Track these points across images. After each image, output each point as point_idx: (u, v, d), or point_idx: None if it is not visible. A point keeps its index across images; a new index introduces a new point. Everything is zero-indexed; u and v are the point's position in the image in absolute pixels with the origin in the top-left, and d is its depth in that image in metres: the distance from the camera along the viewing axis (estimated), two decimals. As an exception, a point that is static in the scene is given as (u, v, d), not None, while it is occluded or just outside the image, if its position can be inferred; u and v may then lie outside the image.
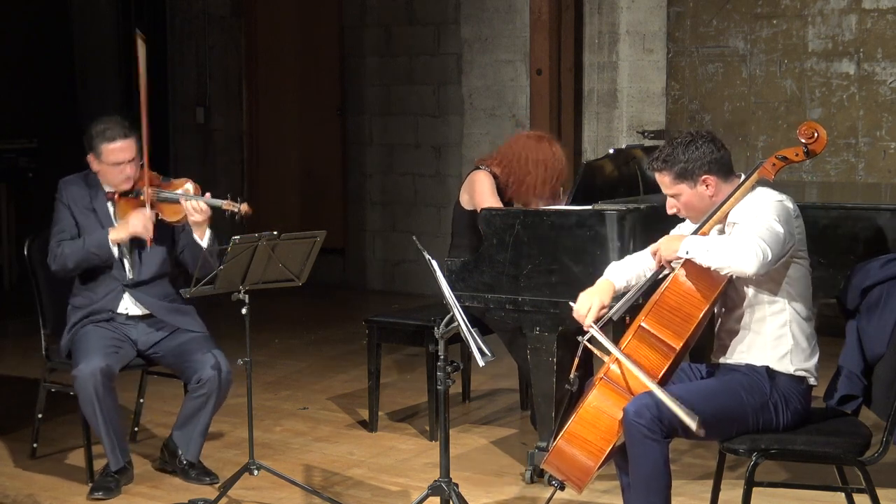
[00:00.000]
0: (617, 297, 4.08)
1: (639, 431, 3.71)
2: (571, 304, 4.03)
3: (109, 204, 5.06)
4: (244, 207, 4.89)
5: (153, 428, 5.88)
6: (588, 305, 3.96)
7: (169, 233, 5.10)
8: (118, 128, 5.00)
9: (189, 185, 5.05)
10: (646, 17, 8.57)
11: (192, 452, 5.03)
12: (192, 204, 4.93)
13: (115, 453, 4.86)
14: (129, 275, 5.06)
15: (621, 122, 8.72)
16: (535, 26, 8.37)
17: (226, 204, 4.92)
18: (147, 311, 5.07)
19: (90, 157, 5.04)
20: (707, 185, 3.90)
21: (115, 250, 4.98)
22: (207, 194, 5.01)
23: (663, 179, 3.94)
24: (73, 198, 5.07)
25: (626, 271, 4.10)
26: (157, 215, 5.00)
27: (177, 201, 4.98)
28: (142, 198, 4.98)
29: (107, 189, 5.07)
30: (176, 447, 5.04)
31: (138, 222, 4.94)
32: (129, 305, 5.07)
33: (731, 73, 8.24)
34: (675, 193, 3.93)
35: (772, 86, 8.11)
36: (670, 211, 3.99)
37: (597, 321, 3.93)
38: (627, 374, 3.81)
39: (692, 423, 3.62)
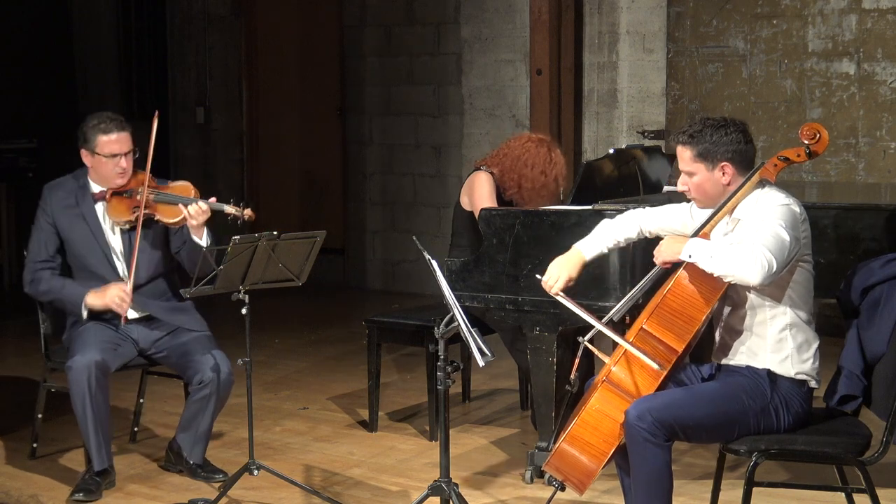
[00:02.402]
0: (612, 290, 4.10)
1: (640, 435, 3.71)
2: (539, 276, 4.15)
3: (99, 205, 5.04)
4: (248, 212, 4.88)
5: (153, 428, 5.88)
6: (556, 277, 4.10)
7: (161, 232, 5.08)
8: (113, 121, 5.00)
9: (191, 191, 5.02)
10: (646, 17, 8.57)
11: (197, 455, 5.03)
12: (192, 208, 4.90)
13: (101, 453, 4.83)
14: (125, 281, 5.03)
15: (621, 122, 8.72)
16: (535, 26, 8.37)
17: (229, 208, 4.91)
18: (146, 313, 5.07)
19: (84, 152, 5.01)
20: (724, 173, 3.88)
21: (85, 313, 4.94)
22: (212, 199, 4.97)
23: (683, 154, 3.92)
24: (58, 205, 5.04)
25: (605, 238, 4.18)
26: (153, 216, 4.98)
27: (176, 204, 4.96)
28: (137, 197, 4.96)
29: (95, 189, 5.05)
30: (181, 448, 5.04)
31: (116, 297, 4.89)
32: (129, 310, 5.06)
33: (731, 73, 8.24)
34: (691, 171, 3.92)
35: (772, 86, 8.11)
36: (681, 188, 3.99)
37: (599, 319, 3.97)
38: (629, 376, 3.81)
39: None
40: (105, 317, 5.02)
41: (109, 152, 4.95)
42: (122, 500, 4.89)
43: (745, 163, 3.91)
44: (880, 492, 3.91)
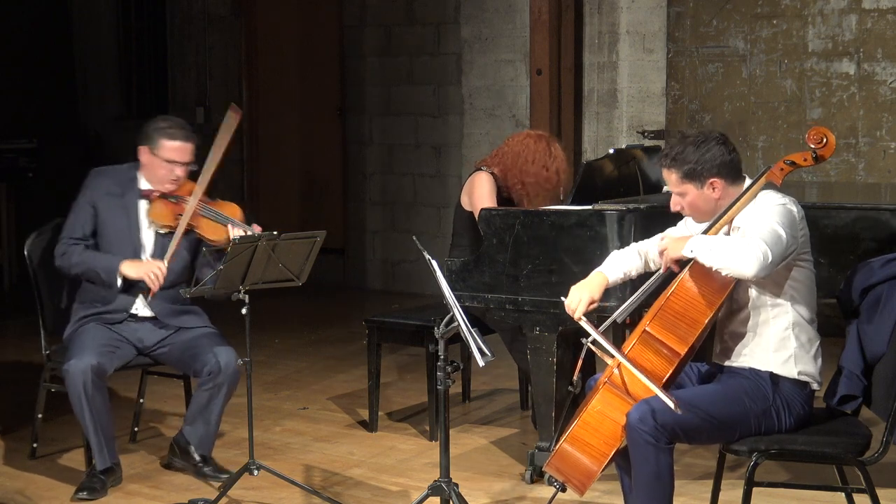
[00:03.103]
0: (613, 290, 4.09)
1: (641, 437, 3.71)
2: (563, 298, 4.07)
3: (143, 202, 5.03)
4: None
5: (153, 428, 5.88)
6: (578, 299, 4.00)
7: (193, 244, 5.08)
8: (182, 130, 5.03)
9: (239, 214, 5.02)
10: (646, 17, 8.57)
11: (206, 446, 5.01)
12: (237, 233, 4.87)
13: (103, 453, 4.84)
14: (124, 287, 5.00)
15: (621, 122, 8.72)
16: (535, 26, 8.38)
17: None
18: (153, 314, 5.06)
19: (143, 149, 5.00)
20: (714, 188, 3.88)
21: (119, 280, 4.93)
22: (257, 227, 4.92)
23: (670, 177, 3.92)
24: (103, 191, 5.03)
25: (623, 263, 4.11)
26: (194, 229, 4.94)
27: (224, 224, 4.95)
28: (183, 205, 4.94)
29: (143, 187, 5.05)
30: (187, 443, 5.02)
31: (151, 271, 4.88)
32: (139, 306, 5.05)
33: (731, 73, 8.24)
34: (681, 192, 3.92)
35: (772, 86, 8.11)
36: (674, 208, 3.99)
37: (595, 322, 3.94)
38: (630, 377, 3.81)
39: (671, 404, 3.64)
40: (109, 316, 5.01)
41: (169, 158, 4.96)
42: (122, 500, 4.89)
43: (733, 174, 3.91)
44: (880, 492, 3.91)
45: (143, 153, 5.01)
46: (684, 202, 3.94)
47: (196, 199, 4.94)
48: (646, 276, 4.12)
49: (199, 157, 5.10)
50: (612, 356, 3.86)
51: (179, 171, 4.99)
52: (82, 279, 5.03)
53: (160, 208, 5.00)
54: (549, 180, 5.49)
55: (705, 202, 3.91)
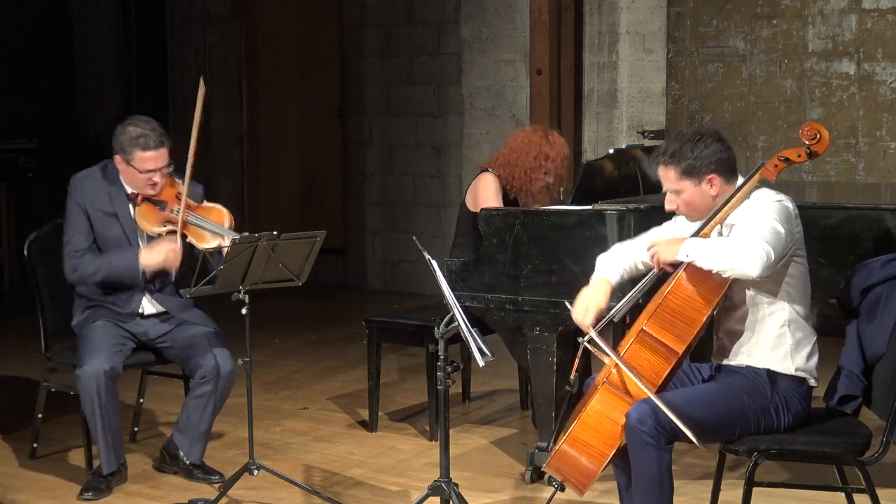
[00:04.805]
0: (615, 293, 4.09)
1: (641, 438, 3.70)
2: (568, 304, 4.03)
3: (130, 205, 4.99)
4: None
5: (153, 428, 5.88)
6: (585, 308, 3.95)
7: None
8: (155, 136, 4.91)
9: (226, 220, 4.94)
10: (646, 17, 8.57)
11: (195, 454, 5.02)
12: (228, 241, 4.76)
13: (110, 456, 4.85)
14: (148, 276, 5.00)
15: (621, 122, 8.72)
16: (535, 26, 8.37)
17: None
18: (161, 309, 5.04)
19: (117, 158, 4.94)
20: (711, 185, 3.88)
21: (142, 275, 4.90)
22: (245, 235, 4.80)
23: (668, 174, 3.90)
24: (89, 198, 4.98)
25: (620, 263, 4.08)
26: (185, 236, 4.90)
27: (213, 233, 4.86)
28: (170, 213, 4.87)
29: (129, 190, 4.99)
30: (177, 449, 5.03)
31: (170, 256, 4.83)
32: (146, 305, 5.04)
33: (731, 73, 8.24)
34: (678, 190, 3.91)
35: (772, 86, 8.11)
36: (669, 207, 3.97)
37: (596, 324, 3.94)
38: (629, 378, 3.81)
39: (690, 434, 3.63)
40: (118, 309, 4.99)
41: (145, 168, 4.88)
42: (122, 500, 4.89)
43: (729, 170, 3.91)
44: (880, 492, 3.91)
45: (119, 162, 4.95)
46: (680, 200, 3.93)
47: (183, 206, 4.87)
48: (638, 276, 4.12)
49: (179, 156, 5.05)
50: (614, 359, 3.86)
51: (157, 178, 4.91)
52: (107, 282, 4.97)
53: (146, 213, 4.93)
54: (555, 170, 5.51)
55: (702, 199, 3.90)
